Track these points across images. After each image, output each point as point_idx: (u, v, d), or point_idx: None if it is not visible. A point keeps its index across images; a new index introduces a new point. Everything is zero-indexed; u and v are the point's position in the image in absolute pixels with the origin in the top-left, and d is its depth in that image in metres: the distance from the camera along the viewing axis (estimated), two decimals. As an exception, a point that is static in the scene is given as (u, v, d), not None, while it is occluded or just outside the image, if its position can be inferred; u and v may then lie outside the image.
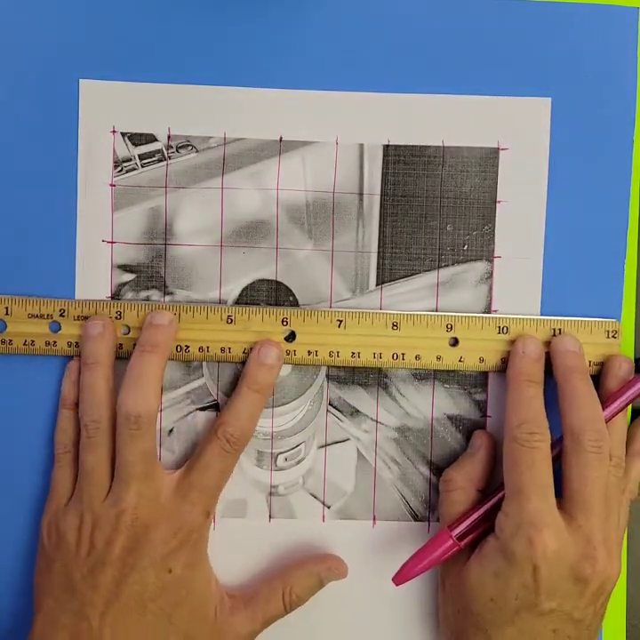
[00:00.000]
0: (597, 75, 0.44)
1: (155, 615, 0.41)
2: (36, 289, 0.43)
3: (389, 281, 0.44)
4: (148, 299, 0.44)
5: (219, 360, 0.44)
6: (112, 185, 0.44)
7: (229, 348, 0.43)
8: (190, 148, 0.44)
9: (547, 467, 0.40)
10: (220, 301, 0.44)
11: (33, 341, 0.43)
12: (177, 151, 0.44)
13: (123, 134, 0.43)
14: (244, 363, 0.44)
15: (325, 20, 0.43)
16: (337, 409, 0.45)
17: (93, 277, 0.44)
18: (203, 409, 0.45)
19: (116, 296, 0.44)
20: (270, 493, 0.45)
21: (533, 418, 0.41)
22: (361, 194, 0.44)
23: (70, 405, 0.43)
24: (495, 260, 0.44)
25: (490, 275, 0.44)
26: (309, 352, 0.44)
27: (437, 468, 0.45)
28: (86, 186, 0.43)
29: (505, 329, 0.44)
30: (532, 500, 0.39)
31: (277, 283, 0.44)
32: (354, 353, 0.44)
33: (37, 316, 0.43)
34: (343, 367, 0.44)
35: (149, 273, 0.44)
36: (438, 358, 0.44)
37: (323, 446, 0.45)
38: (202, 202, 0.44)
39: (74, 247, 0.44)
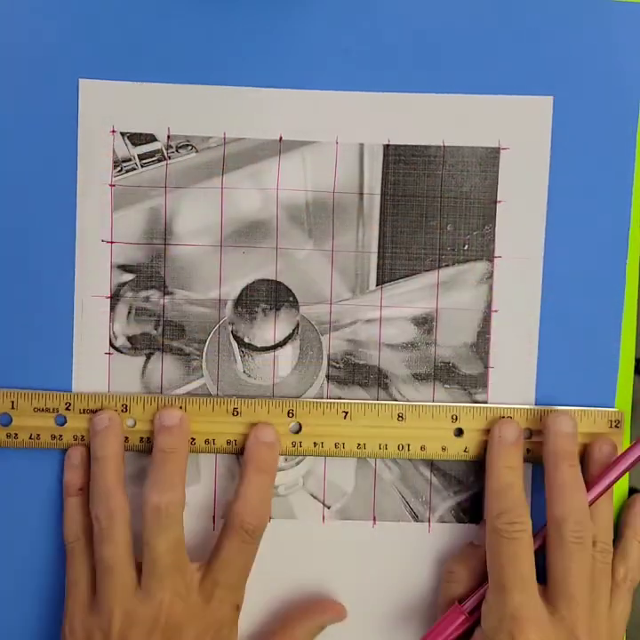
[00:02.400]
0: (600, 73, 0.44)
1: None
2: (35, 289, 0.43)
3: (389, 281, 0.44)
4: (147, 299, 0.44)
5: (225, 452, 0.44)
6: (111, 185, 0.44)
7: (236, 441, 0.43)
8: (190, 147, 0.44)
9: (528, 558, 0.40)
10: (220, 301, 0.44)
11: (38, 435, 0.43)
12: (177, 151, 0.44)
13: (122, 134, 0.43)
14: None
15: (325, 19, 0.43)
16: (337, 409, 0.45)
17: (93, 277, 0.44)
18: (202, 409, 0.45)
19: (115, 296, 0.44)
20: (270, 494, 0.45)
21: (513, 507, 0.41)
22: (361, 194, 0.44)
23: (75, 492, 0.43)
24: (495, 259, 0.44)
25: (490, 275, 0.44)
26: (315, 443, 0.44)
27: (437, 469, 0.45)
28: (86, 186, 0.43)
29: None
30: (514, 593, 0.39)
31: (277, 283, 0.44)
32: (359, 444, 0.44)
33: (43, 409, 0.43)
34: (343, 367, 0.44)
35: (149, 273, 0.44)
36: (443, 449, 0.44)
37: (323, 447, 0.45)
38: (202, 202, 0.44)
39: (73, 247, 0.43)
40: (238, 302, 0.44)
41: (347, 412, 0.44)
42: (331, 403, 0.44)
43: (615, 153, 0.44)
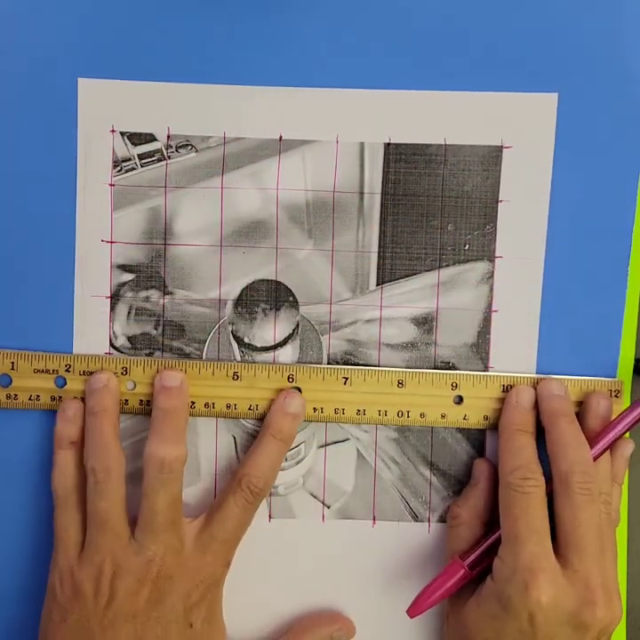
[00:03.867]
0: (606, 69, 0.43)
1: None
2: (35, 289, 0.43)
3: (390, 281, 0.44)
4: (147, 298, 0.44)
5: (224, 416, 0.44)
6: (111, 185, 0.43)
7: (235, 405, 0.43)
8: (190, 147, 0.44)
9: (541, 511, 0.40)
10: (220, 301, 0.44)
11: (38, 396, 0.43)
12: (176, 151, 0.44)
13: (122, 134, 0.43)
14: (251, 418, 0.44)
15: (325, 16, 0.43)
16: (337, 409, 0.45)
17: (93, 277, 0.44)
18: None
19: (115, 296, 0.44)
20: (270, 493, 0.45)
21: (526, 464, 0.41)
22: (361, 193, 0.44)
23: (67, 445, 0.42)
24: (496, 260, 0.44)
25: (491, 275, 0.44)
26: (315, 409, 0.44)
27: (437, 469, 0.45)
28: (85, 185, 0.43)
29: (509, 387, 0.44)
30: (527, 545, 0.39)
31: (277, 283, 0.44)
32: (359, 410, 0.44)
33: (43, 370, 0.43)
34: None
35: (149, 273, 0.44)
36: (443, 416, 0.44)
37: (323, 446, 0.45)
38: (201, 202, 0.44)
39: (73, 247, 0.43)
40: (238, 302, 0.44)
41: (347, 378, 0.44)
42: (331, 368, 0.44)
43: (620, 152, 0.44)
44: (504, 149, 0.44)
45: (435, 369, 0.44)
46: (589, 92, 0.43)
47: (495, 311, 0.44)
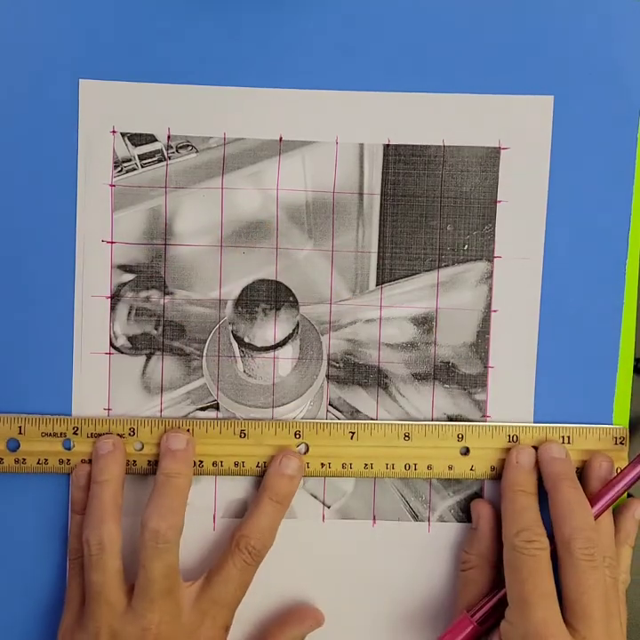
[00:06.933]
0: (601, 72, 0.44)
1: None
2: (35, 289, 0.43)
3: (389, 281, 0.44)
4: (147, 299, 0.44)
5: (233, 474, 0.44)
6: (112, 185, 0.44)
7: (243, 463, 0.44)
8: (190, 148, 0.44)
9: (548, 574, 0.40)
10: (220, 301, 0.44)
11: (46, 460, 0.43)
12: (177, 151, 0.44)
13: (123, 134, 0.43)
14: (260, 476, 0.44)
15: (325, 18, 0.43)
16: (337, 409, 0.45)
17: (93, 277, 0.44)
18: (203, 409, 0.45)
19: (115, 296, 0.44)
20: (270, 493, 0.45)
21: (530, 526, 0.41)
22: (361, 193, 0.44)
23: (80, 510, 0.43)
24: (495, 260, 0.44)
25: (490, 275, 0.44)
26: (322, 464, 0.44)
27: (437, 469, 0.45)
28: (86, 186, 0.43)
29: (514, 438, 0.44)
30: (537, 609, 0.38)
31: (277, 283, 0.44)
32: (366, 464, 0.44)
33: (51, 434, 0.43)
34: (343, 367, 0.44)
35: (149, 273, 0.44)
36: (450, 468, 0.44)
37: (323, 446, 0.45)
38: (202, 202, 0.44)
39: (73, 247, 0.44)
40: (238, 302, 0.44)
41: (353, 433, 0.44)
42: (337, 423, 0.44)
43: (616, 153, 0.44)
44: (502, 151, 0.44)
45: (435, 369, 0.44)
46: (584, 95, 0.44)
47: (494, 311, 0.44)
